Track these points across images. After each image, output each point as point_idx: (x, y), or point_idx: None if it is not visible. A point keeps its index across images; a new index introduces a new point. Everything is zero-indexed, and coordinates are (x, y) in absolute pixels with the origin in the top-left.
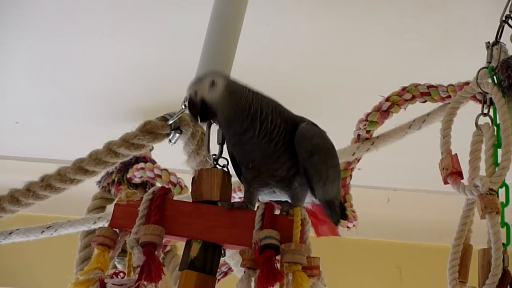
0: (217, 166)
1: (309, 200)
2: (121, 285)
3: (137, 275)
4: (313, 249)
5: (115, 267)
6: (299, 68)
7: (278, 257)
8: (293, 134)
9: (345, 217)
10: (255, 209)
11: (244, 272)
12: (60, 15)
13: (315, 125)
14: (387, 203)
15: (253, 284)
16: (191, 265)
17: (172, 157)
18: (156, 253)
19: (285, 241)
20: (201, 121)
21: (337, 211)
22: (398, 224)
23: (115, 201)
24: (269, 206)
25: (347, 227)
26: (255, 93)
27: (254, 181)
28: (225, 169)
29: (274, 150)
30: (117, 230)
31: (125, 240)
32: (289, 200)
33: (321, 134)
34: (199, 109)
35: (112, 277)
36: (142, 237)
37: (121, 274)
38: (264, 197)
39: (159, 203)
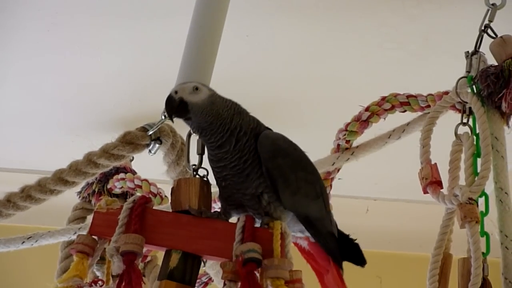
0: (197, 176)
1: (299, 230)
2: None
3: (116, 284)
4: (293, 258)
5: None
6: (278, 78)
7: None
8: None
9: (360, 261)
10: (236, 221)
11: (225, 284)
12: (40, 25)
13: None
14: (366, 213)
15: None
16: (170, 275)
17: (152, 167)
18: (136, 262)
19: (266, 254)
20: (173, 117)
21: (327, 240)
22: (378, 233)
23: (95, 209)
24: (249, 218)
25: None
26: (238, 109)
27: (229, 201)
28: (205, 178)
29: (243, 168)
30: (96, 238)
31: (104, 248)
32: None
33: (289, 141)
34: (175, 106)
35: (91, 285)
36: (123, 246)
37: (99, 282)
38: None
39: (140, 212)
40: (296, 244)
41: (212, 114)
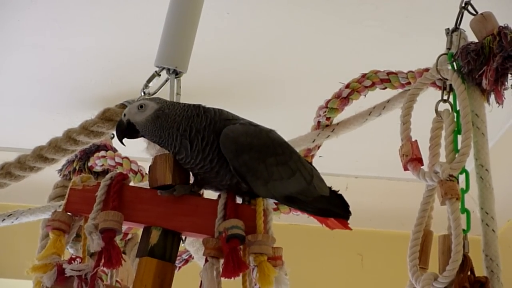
0: None
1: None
2: (80, 270)
3: (95, 261)
4: (275, 236)
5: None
6: (258, 56)
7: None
8: None
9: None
10: (217, 197)
11: (207, 261)
12: (19, 3)
13: (254, 125)
14: (346, 190)
15: (216, 272)
16: (151, 252)
17: (133, 145)
18: (115, 239)
19: (249, 231)
20: (127, 137)
21: (314, 204)
22: (359, 211)
23: (70, 186)
24: (231, 195)
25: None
26: (188, 113)
27: (205, 185)
28: None
29: (212, 167)
30: (72, 215)
31: (80, 225)
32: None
33: (254, 132)
34: (123, 129)
35: (69, 263)
36: (102, 223)
37: (77, 259)
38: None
39: (118, 188)
40: None
41: (157, 128)
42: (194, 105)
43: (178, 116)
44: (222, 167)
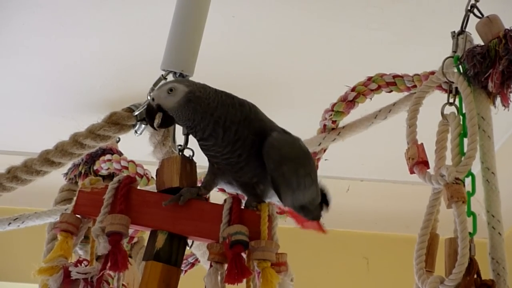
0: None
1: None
2: (86, 273)
3: (101, 264)
4: (279, 240)
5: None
6: (264, 59)
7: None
8: (261, 145)
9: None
10: (223, 202)
11: (211, 266)
12: (25, 7)
13: (288, 133)
14: (347, 192)
15: (220, 277)
16: (157, 256)
17: (138, 148)
18: (121, 242)
19: (253, 236)
20: (159, 128)
21: (311, 210)
22: (365, 214)
23: (79, 188)
24: (236, 200)
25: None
26: (223, 100)
27: (219, 176)
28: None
29: (238, 161)
30: (80, 217)
31: (88, 227)
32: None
33: (292, 143)
34: (154, 115)
35: (76, 265)
36: (108, 227)
37: (84, 262)
38: (226, 187)
39: (125, 192)
40: None
41: (189, 112)
42: (226, 93)
43: (212, 102)
44: (248, 165)
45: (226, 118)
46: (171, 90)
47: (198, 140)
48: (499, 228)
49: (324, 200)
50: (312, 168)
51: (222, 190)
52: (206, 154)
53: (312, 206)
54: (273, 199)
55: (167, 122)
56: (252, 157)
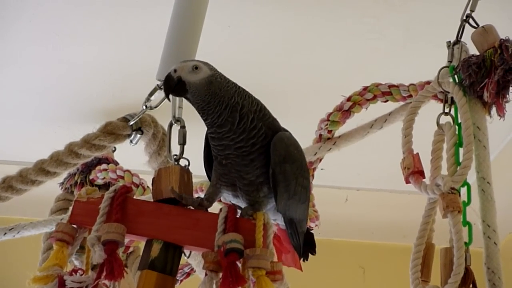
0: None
1: (273, 218)
2: (80, 282)
3: (97, 273)
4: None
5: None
6: (260, 68)
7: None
8: (271, 140)
9: (307, 255)
10: (218, 211)
11: (206, 274)
12: (21, 16)
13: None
14: (345, 202)
15: (215, 286)
16: (152, 265)
17: (134, 158)
18: (117, 251)
19: (248, 245)
20: (172, 94)
21: (299, 238)
22: (361, 224)
23: (75, 198)
24: (231, 209)
25: (309, 227)
26: (240, 90)
27: (222, 178)
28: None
29: (250, 152)
30: (76, 227)
31: (84, 237)
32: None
33: (299, 149)
34: (172, 85)
35: (71, 274)
36: (104, 235)
37: (79, 271)
38: (227, 197)
39: (121, 201)
40: None
41: (209, 93)
42: (241, 87)
43: (231, 89)
44: (259, 158)
45: (244, 105)
46: (196, 67)
47: (210, 128)
48: (495, 238)
49: (311, 245)
50: (308, 183)
51: (219, 200)
52: (215, 147)
53: (300, 228)
54: (270, 211)
55: (181, 93)
56: (263, 149)
